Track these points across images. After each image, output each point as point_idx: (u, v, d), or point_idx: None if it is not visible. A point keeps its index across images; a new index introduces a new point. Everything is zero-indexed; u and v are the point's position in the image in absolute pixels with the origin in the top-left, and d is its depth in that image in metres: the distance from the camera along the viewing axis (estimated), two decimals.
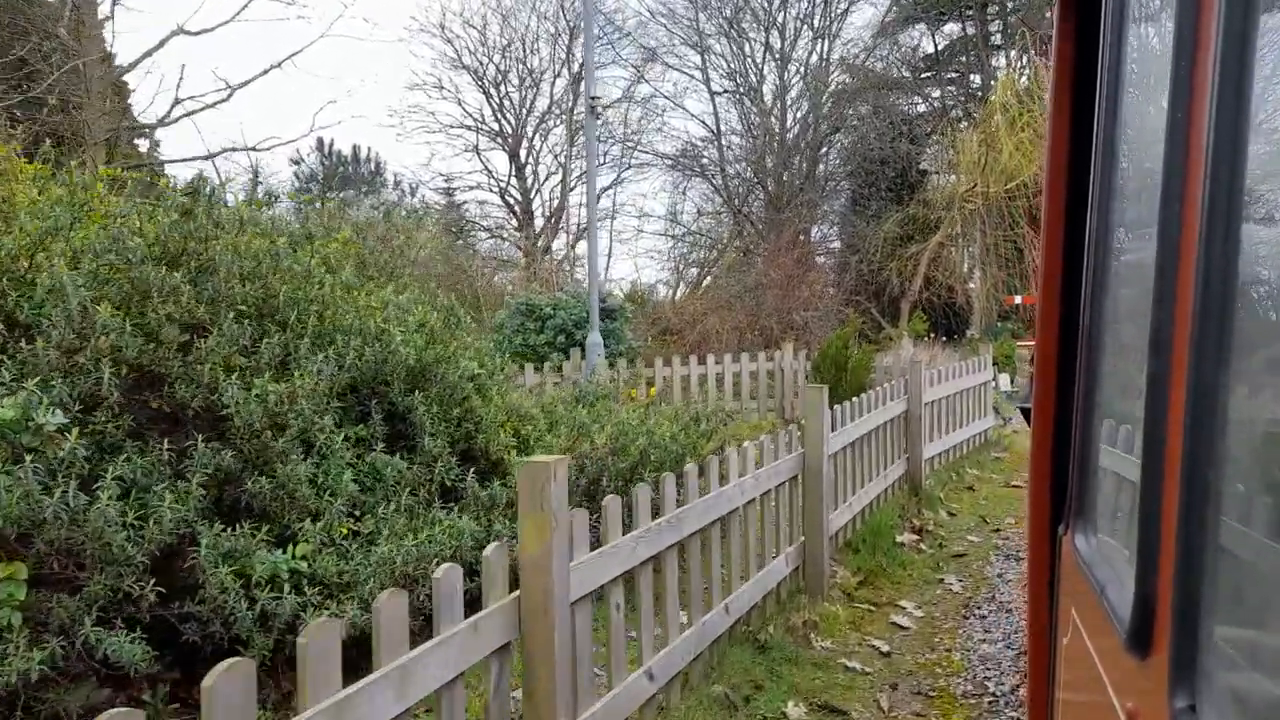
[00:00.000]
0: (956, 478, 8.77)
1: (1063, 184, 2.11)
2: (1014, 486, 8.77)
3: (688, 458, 6.41)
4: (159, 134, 24.85)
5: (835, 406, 6.44)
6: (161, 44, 19.02)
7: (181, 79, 24.12)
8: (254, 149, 20.24)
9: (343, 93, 41.91)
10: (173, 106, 20.35)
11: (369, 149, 24.13)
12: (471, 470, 5.27)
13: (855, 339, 12.90)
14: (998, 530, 7.34)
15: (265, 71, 21.50)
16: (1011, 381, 14.95)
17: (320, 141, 24.00)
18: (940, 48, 28.23)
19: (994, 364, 15.42)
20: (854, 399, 6.75)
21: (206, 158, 20.57)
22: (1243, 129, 0.93)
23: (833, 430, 6.15)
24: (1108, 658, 1.41)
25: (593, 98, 10.96)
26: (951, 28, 28.21)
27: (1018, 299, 15.81)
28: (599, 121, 27.82)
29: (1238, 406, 0.96)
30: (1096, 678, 1.48)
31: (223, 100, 20.10)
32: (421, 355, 5.46)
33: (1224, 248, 0.94)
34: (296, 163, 23.52)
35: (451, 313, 5.89)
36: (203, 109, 19.76)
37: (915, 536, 6.99)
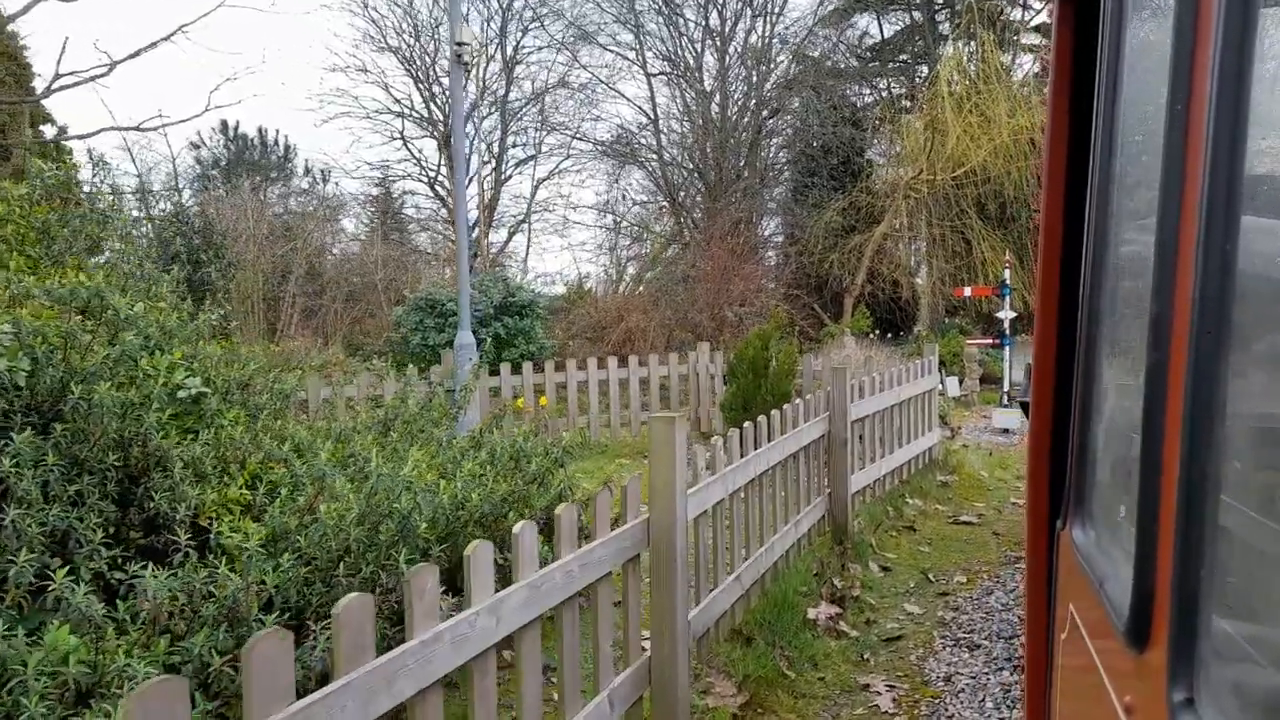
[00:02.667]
0: (894, 513, 6.81)
1: (1062, 175, 2.03)
2: (963, 523, 6.82)
3: (513, 515, 4.38)
4: (64, 117, 22.23)
5: (719, 437, 4.43)
6: (26, 9, 16.59)
7: (63, 53, 21.41)
8: (138, 129, 17.65)
9: (244, 70, 37.87)
10: (52, 81, 17.96)
11: (277, 132, 21.73)
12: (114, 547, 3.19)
13: (782, 337, 10.93)
14: (945, 594, 5.37)
15: (153, 45, 19.07)
16: (960, 384, 13.06)
17: (224, 124, 21.52)
18: (887, 36, 26.44)
19: (940, 364, 13.54)
20: (744, 426, 4.74)
21: (81, 137, 18.15)
22: (1243, 119, 0.90)
23: (712, 471, 4.14)
24: (1105, 652, 1.37)
25: (458, 43, 8.81)
26: (899, 15, 26.43)
27: (967, 291, 14.00)
28: (531, 104, 25.68)
29: (1236, 400, 0.94)
30: (1094, 672, 1.43)
31: (103, 74, 17.68)
32: (43, 372, 3.34)
33: (1224, 242, 0.92)
34: (197, 146, 21.05)
35: (102, 302, 3.75)
36: (76, 84, 17.35)
37: (834, 609, 4.99)
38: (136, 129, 18.24)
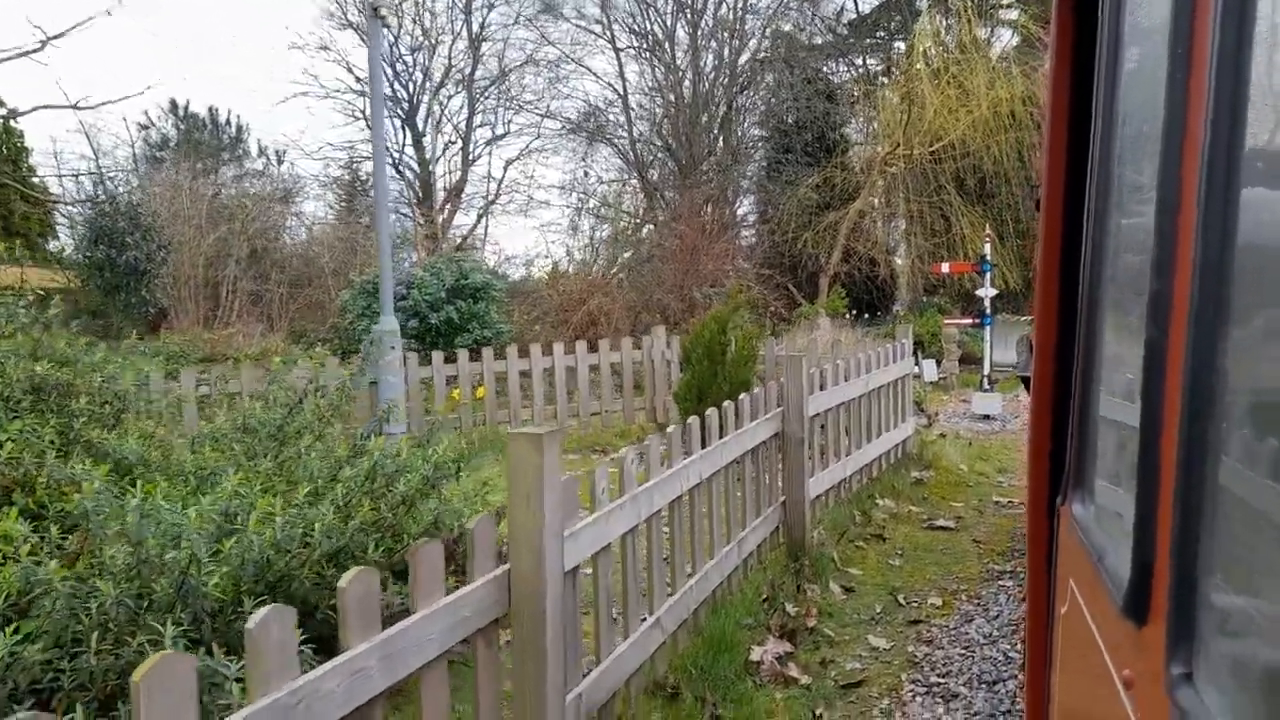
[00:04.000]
0: (861, 518, 5.91)
1: (1062, 150, 2.04)
2: (939, 529, 5.93)
3: (375, 549, 3.45)
4: (14, 100, 20.98)
5: (630, 449, 3.52)
6: None
7: None
8: (75, 107, 16.48)
9: (189, 46, 35.47)
10: None
11: (228, 111, 20.53)
12: None
13: (756, 319, 10.02)
14: (916, 623, 4.48)
15: (89, 19, 17.98)
16: (938, 366, 12.17)
17: (174, 103, 20.25)
18: (864, 11, 25.44)
19: (918, 345, 12.65)
20: (671, 431, 3.82)
21: (14, 115, 16.96)
22: (1243, 95, 0.89)
23: (620, 494, 3.23)
24: (1105, 626, 1.35)
25: None
26: None
27: (945, 268, 13.07)
28: (498, 83, 24.56)
29: (1235, 374, 0.93)
30: (1093, 646, 1.41)
31: (37, 50, 16.58)
32: None
33: (1224, 217, 0.91)
34: (145, 127, 19.80)
35: None
36: (7, 59, 16.19)
37: (784, 646, 4.09)
38: (73, 107, 17.10)
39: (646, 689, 3.55)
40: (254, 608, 2.87)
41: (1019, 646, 4.11)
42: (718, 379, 7.66)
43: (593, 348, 9.13)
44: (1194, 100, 0.99)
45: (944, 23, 19.43)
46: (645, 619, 3.46)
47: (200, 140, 20.01)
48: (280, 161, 19.56)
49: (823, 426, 5.82)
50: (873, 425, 6.61)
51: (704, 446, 4.13)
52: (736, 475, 4.60)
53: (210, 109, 21.04)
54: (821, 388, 5.69)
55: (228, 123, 21.36)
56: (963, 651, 4.15)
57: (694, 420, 4.08)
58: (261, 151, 20.62)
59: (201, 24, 32.41)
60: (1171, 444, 1.00)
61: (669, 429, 3.86)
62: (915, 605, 4.70)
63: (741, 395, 4.69)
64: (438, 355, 8.46)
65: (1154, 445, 1.08)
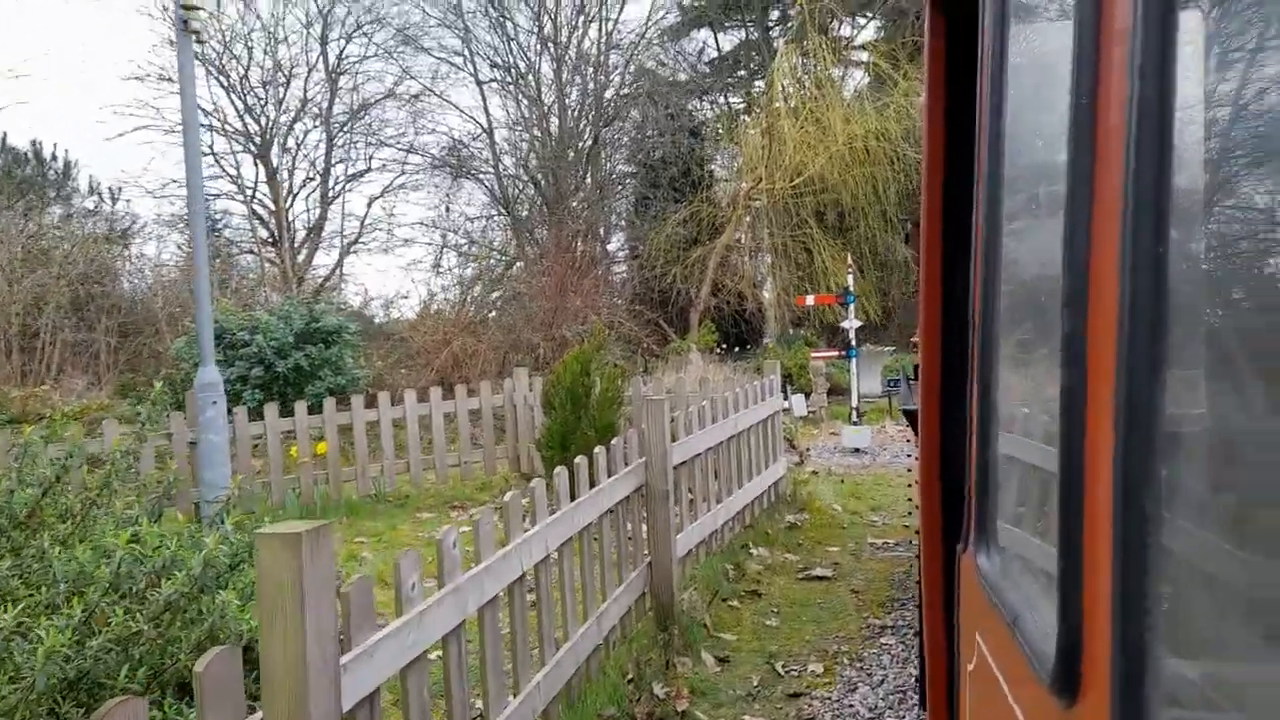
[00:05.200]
0: (735, 572, 5.43)
1: (940, 175, 1.96)
2: (816, 579, 5.51)
3: (131, 671, 2.71)
4: None
5: (451, 528, 2.91)
6: None
7: None
8: None
9: (4, 71, 32.22)
10: None
11: (55, 146, 18.73)
12: None
13: (617, 355, 9.51)
14: (796, 696, 3.98)
15: None
16: (807, 400, 11.98)
17: None
18: (725, 50, 25.84)
19: (787, 379, 12.47)
20: (509, 499, 3.22)
21: None
22: (1155, 105, 0.80)
23: (441, 587, 2.60)
24: (1024, 697, 1.15)
25: (184, 6, 6.91)
26: (736, 31, 25.88)
27: (810, 299, 13.01)
28: (358, 117, 23.51)
29: (1176, 396, 0.78)
30: (1011, 716, 1.21)
31: None
32: None
33: (1149, 220, 0.80)
34: None
35: None
36: None
37: None
38: None
39: None
40: None
41: (906, 719, 3.68)
42: (582, 424, 7.09)
43: (449, 393, 8.41)
44: (1101, 113, 0.90)
45: (800, 61, 19.76)
46: None
47: (21, 177, 18.13)
48: (115, 200, 17.90)
49: (693, 470, 5.33)
50: (744, 469, 6.18)
51: (553, 512, 3.55)
52: (594, 539, 4.03)
53: (34, 143, 19.14)
54: (688, 432, 5.21)
55: (54, 158, 19.49)
56: None
57: (538, 483, 3.49)
58: (94, 189, 18.84)
59: (23, 48, 29.79)
60: (1102, 479, 0.84)
61: (507, 495, 3.26)
62: (795, 674, 4.21)
63: (597, 449, 4.13)
64: (271, 409, 7.55)
65: (1078, 480, 0.90)
